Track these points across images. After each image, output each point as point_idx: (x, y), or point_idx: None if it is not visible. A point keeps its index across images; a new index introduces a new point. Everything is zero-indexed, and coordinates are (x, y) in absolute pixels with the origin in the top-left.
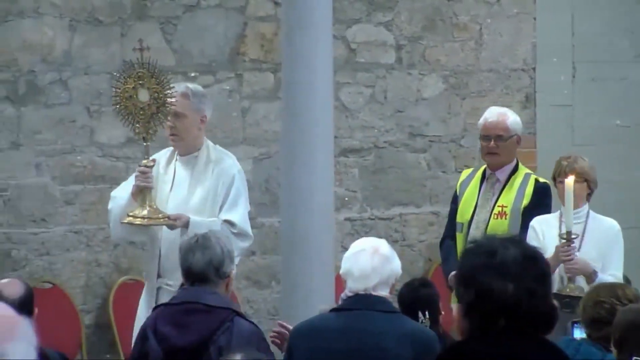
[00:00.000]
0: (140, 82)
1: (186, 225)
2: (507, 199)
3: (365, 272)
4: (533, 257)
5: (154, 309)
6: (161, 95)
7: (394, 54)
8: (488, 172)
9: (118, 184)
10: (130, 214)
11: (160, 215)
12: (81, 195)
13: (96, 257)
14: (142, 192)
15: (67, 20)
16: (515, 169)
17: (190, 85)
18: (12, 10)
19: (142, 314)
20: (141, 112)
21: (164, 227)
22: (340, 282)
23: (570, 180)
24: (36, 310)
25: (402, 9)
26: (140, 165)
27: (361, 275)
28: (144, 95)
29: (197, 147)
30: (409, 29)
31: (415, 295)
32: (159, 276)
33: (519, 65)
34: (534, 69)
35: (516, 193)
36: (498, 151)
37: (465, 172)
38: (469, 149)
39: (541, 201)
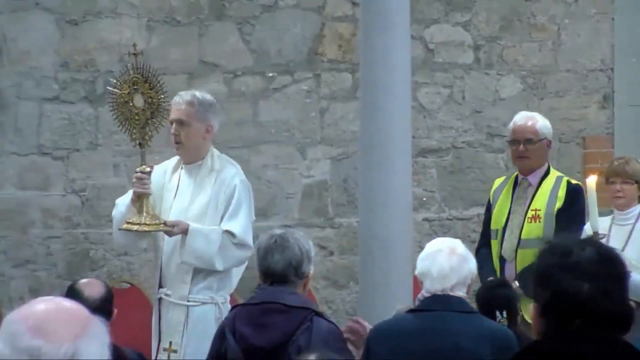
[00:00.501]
0: (135, 87)
1: (185, 232)
2: (540, 202)
3: (443, 272)
4: (609, 257)
5: (232, 308)
6: (155, 100)
7: (472, 54)
8: (520, 177)
9: None
10: (128, 220)
11: (157, 221)
12: None
13: None
14: (140, 199)
15: (145, 20)
16: (546, 173)
17: (198, 94)
18: (90, 10)
19: (154, 325)
20: (136, 118)
21: (165, 236)
22: (418, 282)
23: (591, 181)
24: (115, 310)
25: (480, 9)
26: (137, 172)
27: (439, 275)
28: (138, 101)
29: (201, 156)
30: (486, 29)
31: (493, 296)
32: (160, 286)
33: (597, 65)
34: (612, 69)
35: (549, 196)
36: (527, 155)
37: (498, 180)
38: None
39: (574, 203)
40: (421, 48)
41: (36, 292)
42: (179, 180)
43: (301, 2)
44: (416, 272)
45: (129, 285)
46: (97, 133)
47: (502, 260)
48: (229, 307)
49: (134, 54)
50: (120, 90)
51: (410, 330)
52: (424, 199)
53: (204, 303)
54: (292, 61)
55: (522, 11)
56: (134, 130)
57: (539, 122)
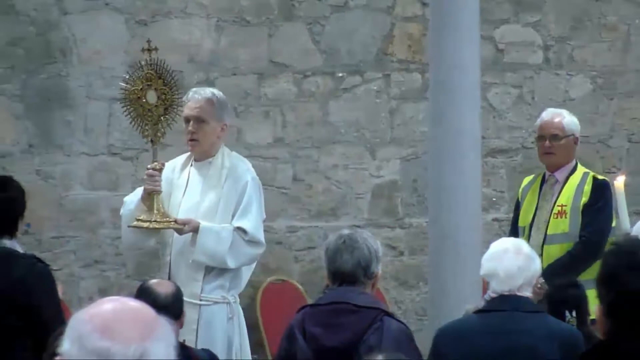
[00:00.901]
0: (148, 83)
1: (196, 230)
2: (566, 197)
3: (510, 272)
4: None
5: (300, 309)
6: (169, 97)
7: (541, 54)
8: (547, 174)
9: (265, 184)
10: (139, 218)
11: (168, 219)
12: None
13: None
14: (150, 196)
15: (214, 20)
16: (574, 170)
17: (216, 92)
18: (159, 10)
19: None
20: (149, 114)
21: (174, 234)
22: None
23: (619, 181)
24: (185, 311)
25: (549, 10)
26: (148, 169)
27: (507, 275)
28: (152, 97)
29: (212, 154)
30: (556, 29)
31: (564, 296)
32: None
33: None
34: None
35: (575, 191)
36: (553, 150)
37: (527, 179)
38: (616, 150)
39: (600, 197)
40: (491, 48)
41: (105, 292)
42: (188, 177)
43: (371, 2)
44: (482, 273)
45: None
46: (168, 133)
47: None
48: (239, 306)
49: (148, 49)
50: (132, 86)
51: (478, 331)
52: (494, 199)
53: (215, 302)
54: (362, 61)
55: (592, 11)
56: (146, 127)
57: (566, 118)
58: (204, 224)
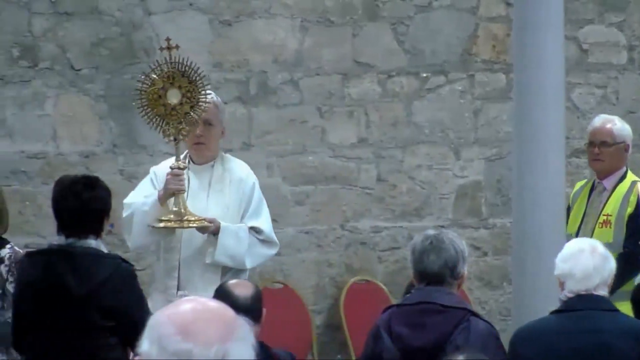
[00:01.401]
0: (171, 81)
1: (217, 230)
2: (612, 207)
3: (587, 272)
4: None
5: (385, 309)
6: (195, 95)
7: (625, 54)
8: (596, 181)
9: (349, 184)
10: (164, 218)
11: (199, 217)
12: (312, 195)
13: (327, 257)
14: (173, 196)
15: (299, 20)
16: (623, 178)
17: (216, 96)
18: (243, 10)
19: None
20: (172, 113)
21: (182, 237)
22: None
23: None
24: (264, 310)
25: (634, 10)
26: (172, 168)
27: (583, 275)
28: (174, 96)
29: (214, 157)
30: None
31: None
32: (178, 288)
33: None
34: None
35: (621, 200)
36: (602, 157)
37: (579, 184)
38: None
39: None
40: (575, 48)
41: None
42: (188, 181)
43: (455, 2)
44: (556, 273)
45: (281, 285)
46: (250, 133)
47: None
48: None
49: (168, 47)
50: (152, 85)
51: (556, 331)
52: None
53: None
54: (446, 61)
55: None
56: (168, 126)
57: (617, 125)
58: (224, 223)
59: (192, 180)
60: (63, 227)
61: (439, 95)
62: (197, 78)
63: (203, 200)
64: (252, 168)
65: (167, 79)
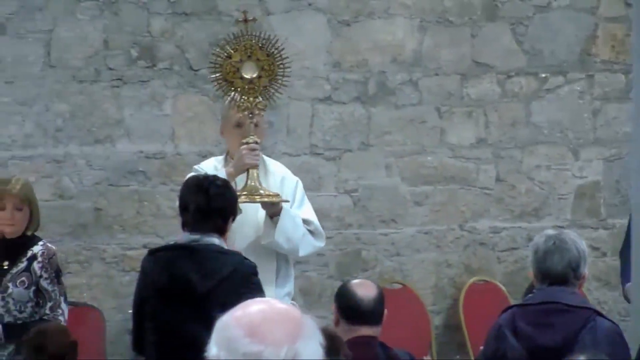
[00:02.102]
0: (248, 54)
1: (278, 212)
2: None
3: None
4: None
5: (506, 309)
6: (273, 67)
7: None
8: None
9: (468, 184)
10: (244, 192)
11: (270, 192)
12: (431, 196)
13: (446, 257)
14: (249, 171)
15: (417, 20)
16: None
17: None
18: (362, 11)
19: None
20: (250, 86)
21: (238, 233)
22: None
23: None
24: (385, 311)
25: None
26: (248, 143)
27: None
28: (250, 69)
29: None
30: None
31: None
32: None
33: None
34: None
35: None
36: None
37: None
38: None
39: None
40: None
41: (307, 292)
42: (235, 182)
43: (574, 2)
44: None
45: (400, 285)
46: (369, 133)
47: None
48: None
49: (244, 20)
50: (228, 58)
51: None
52: None
53: None
54: (565, 62)
55: None
56: (244, 98)
57: None
58: (286, 206)
59: (238, 180)
60: (188, 224)
61: (557, 96)
62: (276, 51)
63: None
64: (370, 168)
65: (244, 52)
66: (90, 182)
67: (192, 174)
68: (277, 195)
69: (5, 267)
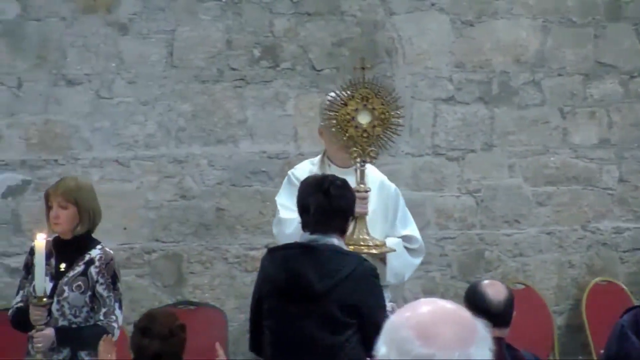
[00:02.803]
0: (364, 102)
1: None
2: None
3: None
4: None
5: (628, 310)
6: (388, 116)
7: None
8: None
9: (591, 185)
10: (351, 242)
11: (378, 242)
12: (554, 196)
13: (569, 258)
14: (359, 219)
15: (540, 21)
16: None
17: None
18: (485, 11)
19: None
20: (364, 135)
21: None
22: None
23: None
24: (514, 313)
25: None
26: (359, 192)
27: None
28: (364, 117)
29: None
30: None
31: None
32: None
33: None
34: None
35: None
36: None
37: None
38: None
39: None
40: None
41: (430, 293)
42: None
43: None
44: None
45: (523, 286)
46: (492, 134)
47: None
48: None
49: (362, 67)
50: (344, 106)
51: None
52: None
53: None
54: None
55: None
56: (356, 148)
57: None
58: (389, 244)
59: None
60: (309, 225)
61: None
62: (391, 99)
63: None
64: (493, 169)
65: (361, 100)
66: (212, 182)
67: (289, 175)
68: (384, 244)
69: (62, 270)
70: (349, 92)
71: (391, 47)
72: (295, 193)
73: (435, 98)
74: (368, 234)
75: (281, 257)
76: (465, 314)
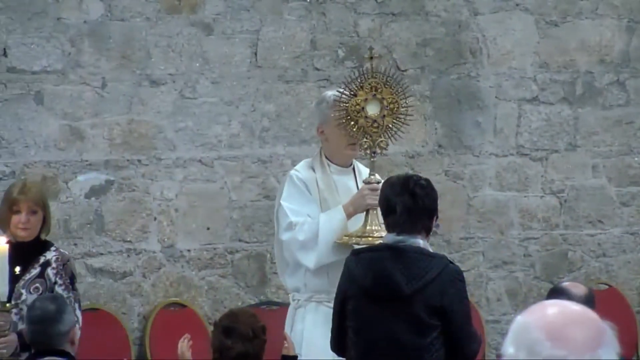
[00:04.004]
0: (374, 92)
1: None
2: None
3: None
4: None
5: None
6: (396, 106)
7: None
8: None
9: None
10: (364, 235)
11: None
12: (638, 196)
13: None
14: (369, 211)
15: (625, 21)
16: None
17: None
18: (570, 11)
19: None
20: (374, 125)
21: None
22: None
23: None
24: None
25: None
26: (370, 183)
27: None
28: (374, 108)
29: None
30: None
31: None
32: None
33: None
34: None
35: None
36: None
37: None
38: None
39: None
40: None
41: (513, 294)
42: (334, 183)
43: None
44: None
45: (606, 286)
46: (576, 134)
47: None
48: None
49: (370, 57)
50: (354, 97)
51: None
52: None
53: None
54: None
55: None
56: (366, 139)
57: None
58: None
59: (339, 183)
60: (395, 226)
61: None
62: (400, 89)
63: None
64: (576, 168)
65: (370, 90)
66: None
67: (291, 177)
68: None
69: (18, 273)
70: (357, 82)
71: (475, 47)
72: (301, 193)
73: (520, 98)
74: (379, 224)
75: (368, 258)
76: (593, 315)
